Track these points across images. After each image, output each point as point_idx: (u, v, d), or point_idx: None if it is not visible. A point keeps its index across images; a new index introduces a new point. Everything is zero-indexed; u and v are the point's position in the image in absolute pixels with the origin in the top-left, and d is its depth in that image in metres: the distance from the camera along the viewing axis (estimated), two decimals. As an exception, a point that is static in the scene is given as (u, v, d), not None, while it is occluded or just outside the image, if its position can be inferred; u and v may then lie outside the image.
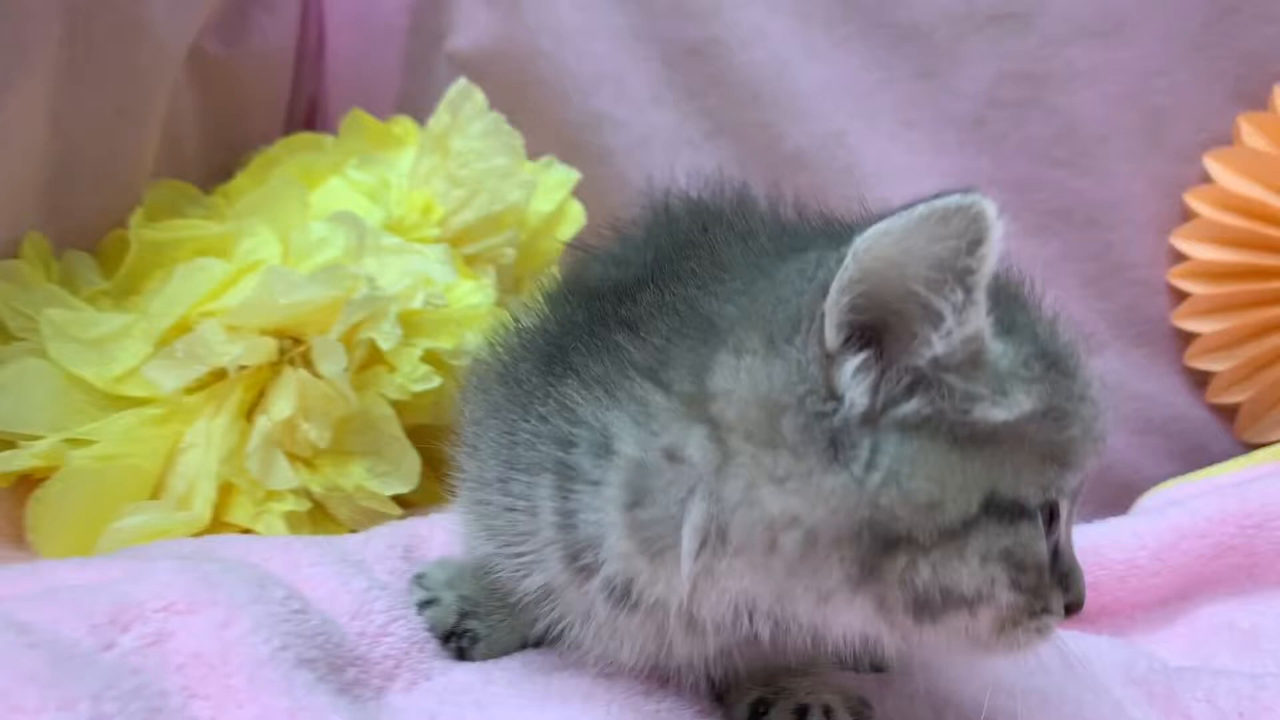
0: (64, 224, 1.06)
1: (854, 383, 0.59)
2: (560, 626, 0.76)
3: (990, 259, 0.58)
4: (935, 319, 0.59)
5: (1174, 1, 1.36)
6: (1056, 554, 0.66)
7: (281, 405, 0.96)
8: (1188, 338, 1.39)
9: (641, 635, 0.72)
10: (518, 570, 0.74)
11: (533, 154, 1.28)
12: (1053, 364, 0.63)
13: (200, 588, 0.67)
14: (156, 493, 0.95)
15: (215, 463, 0.94)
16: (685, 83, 1.41)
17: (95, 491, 0.91)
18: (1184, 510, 1.11)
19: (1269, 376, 1.36)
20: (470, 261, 1.18)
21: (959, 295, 0.58)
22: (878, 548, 0.60)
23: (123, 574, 0.69)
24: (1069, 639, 0.97)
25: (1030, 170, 1.40)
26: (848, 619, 0.64)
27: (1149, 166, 1.39)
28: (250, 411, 0.98)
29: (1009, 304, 0.65)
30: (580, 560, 0.69)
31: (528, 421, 0.71)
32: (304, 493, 0.97)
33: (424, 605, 0.83)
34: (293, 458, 0.98)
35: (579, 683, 0.78)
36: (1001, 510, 0.61)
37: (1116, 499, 1.28)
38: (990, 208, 0.58)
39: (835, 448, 0.59)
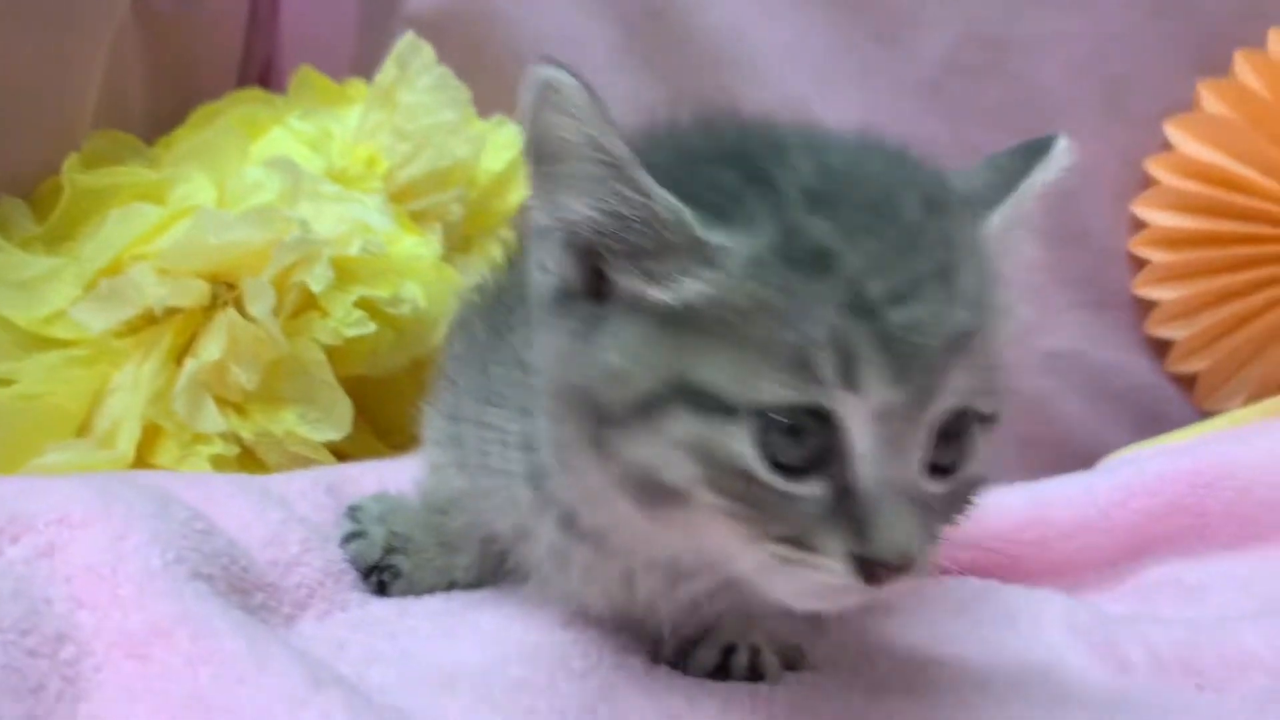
0: (-1, 170, 1.05)
1: (563, 256, 0.62)
2: (530, 568, 0.77)
3: (593, 130, 0.57)
4: (593, 193, 0.59)
5: None
6: (849, 490, 0.59)
7: (211, 347, 0.95)
8: (1148, 306, 1.39)
9: (604, 575, 0.72)
10: (491, 507, 0.76)
11: (491, 116, 1.27)
12: (789, 260, 0.58)
13: (97, 501, 0.66)
14: (82, 433, 0.94)
15: (141, 404, 0.93)
16: (645, 46, 1.40)
17: (16, 429, 0.90)
18: (1134, 469, 1.10)
19: (1228, 345, 1.35)
20: (417, 218, 1.16)
21: (600, 169, 0.58)
22: (594, 421, 0.61)
23: (19, 489, 0.67)
24: (1010, 592, 0.98)
25: (989, 137, 1.33)
26: (625, 515, 0.63)
27: (1109, 134, 1.38)
28: (180, 356, 0.97)
29: (762, 194, 0.61)
30: (542, 490, 0.70)
31: (501, 353, 0.73)
32: (233, 437, 0.96)
33: (350, 538, 0.83)
34: (223, 402, 0.96)
35: (495, 617, 0.77)
36: (696, 399, 0.59)
37: (1077, 467, 1.27)
38: (558, 75, 0.57)
39: (560, 319, 0.63)
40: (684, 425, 0.59)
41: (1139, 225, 1.38)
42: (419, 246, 1.09)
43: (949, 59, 1.38)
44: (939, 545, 0.62)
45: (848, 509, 0.58)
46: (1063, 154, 0.70)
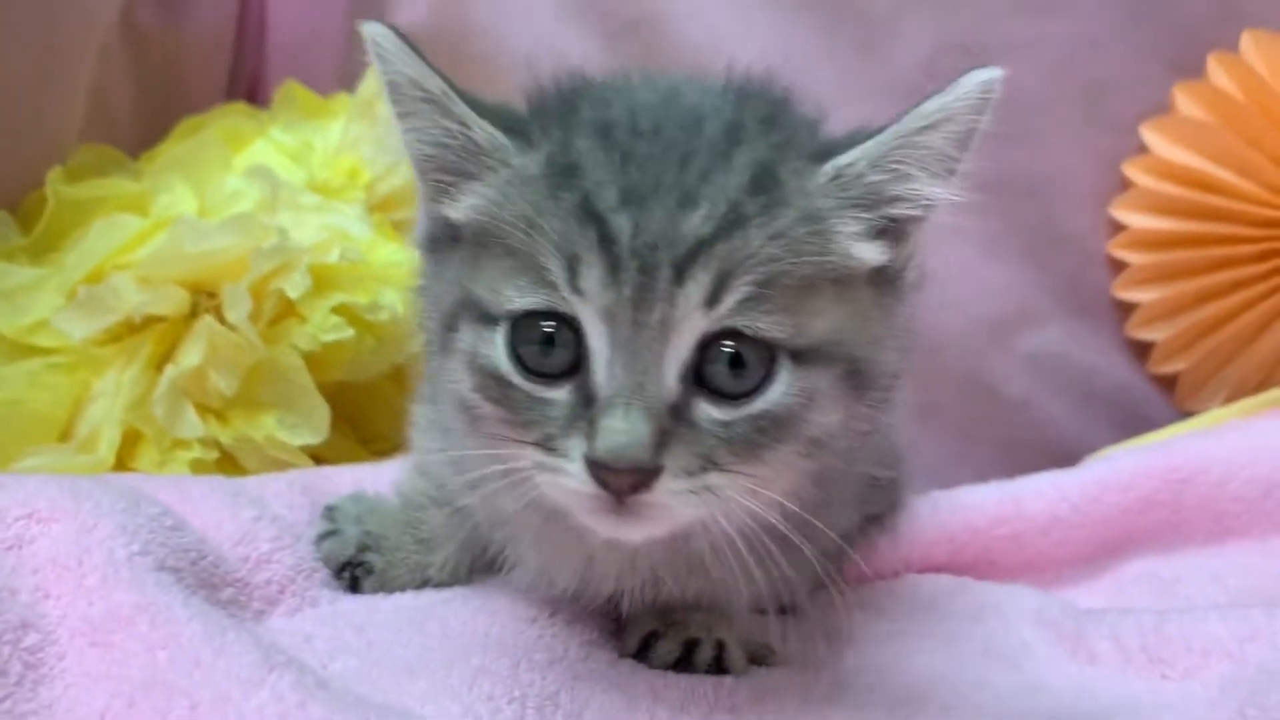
0: (-16, 182, 1.07)
1: (423, 205, 0.70)
2: (506, 551, 0.80)
3: (412, 70, 0.65)
4: (421, 124, 0.67)
5: None
6: (588, 385, 0.61)
7: (190, 354, 0.97)
8: (1128, 308, 1.40)
9: (568, 546, 0.74)
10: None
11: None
12: (547, 176, 0.63)
13: (66, 497, 0.68)
14: (63, 439, 0.95)
15: (121, 410, 0.95)
16: (624, 57, 1.41)
17: (-3, 434, 0.91)
18: (1107, 465, 1.11)
19: (1207, 345, 1.36)
20: (400, 228, 1.18)
21: (423, 104, 0.66)
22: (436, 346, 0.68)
23: (-11, 485, 0.69)
24: (982, 588, 0.99)
25: None
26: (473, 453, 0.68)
27: (1086, 138, 1.40)
28: (161, 363, 0.99)
29: (562, 123, 0.65)
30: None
31: None
32: (212, 442, 0.97)
33: (324, 536, 0.84)
34: (203, 408, 0.98)
35: (463, 612, 0.78)
36: (473, 311, 0.63)
37: (1060, 467, 1.28)
38: (377, 29, 0.65)
39: (427, 264, 0.71)
40: (465, 337, 0.64)
41: (1117, 228, 1.39)
42: (398, 254, 1.11)
43: (927, 66, 1.39)
44: (730, 478, 0.62)
45: (588, 410, 0.60)
46: (975, 86, 0.68)
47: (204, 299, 1.00)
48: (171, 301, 0.98)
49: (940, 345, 1.38)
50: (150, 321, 0.98)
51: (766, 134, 0.65)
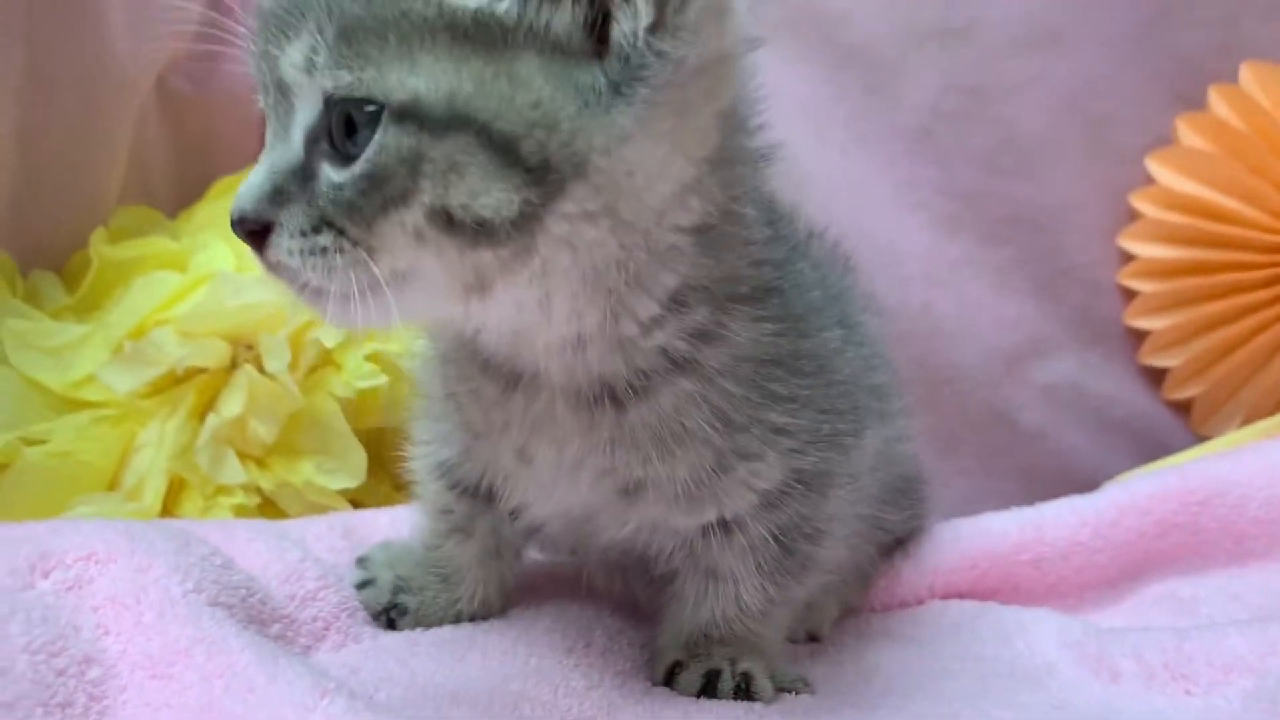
0: (30, 245, 1.12)
1: None
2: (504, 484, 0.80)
3: None
4: None
5: (1107, 11, 1.40)
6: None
7: (232, 404, 1.00)
8: (1140, 336, 1.42)
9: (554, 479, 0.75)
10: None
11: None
12: None
13: (122, 539, 0.71)
14: (111, 488, 0.99)
15: (166, 459, 0.98)
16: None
17: (48, 485, 0.95)
18: (1122, 489, 1.13)
19: (1220, 370, 1.38)
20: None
21: None
22: None
23: (49, 530, 0.72)
24: (1006, 612, 1.01)
25: (977, 179, 1.44)
26: None
27: (1093, 171, 1.43)
28: (203, 413, 1.02)
29: None
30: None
31: None
32: (254, 488, 1.01)
33: (361, 586, 0.86)
34: (244, 456, 1.01)
35: (502, 642, 0.80)
36: None
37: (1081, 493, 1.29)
38: None
39: None
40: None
41: (1127, 258, 1.42)
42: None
43: (934, 106, 1.43)
44: (349, 245, 0.60)
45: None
46: None
47: (243, 350, 1.04)
48: (212, 354, 1.01)
49: (957, 378, 1.41)
50: (192, 373, 1.02)
51: None
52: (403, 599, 0.85)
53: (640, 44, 0.60)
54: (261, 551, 0.83)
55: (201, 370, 1.02)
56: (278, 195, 0.61)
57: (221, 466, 0.99)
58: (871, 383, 0.86)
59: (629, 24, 0.60)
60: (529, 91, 0.59)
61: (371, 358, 1.05)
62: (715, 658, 0.80)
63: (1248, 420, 1.37)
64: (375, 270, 0.60)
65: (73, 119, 1.13)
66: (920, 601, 1.05)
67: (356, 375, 1.04)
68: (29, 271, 1.11)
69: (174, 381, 1.02)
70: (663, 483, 0.73)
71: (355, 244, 0.60)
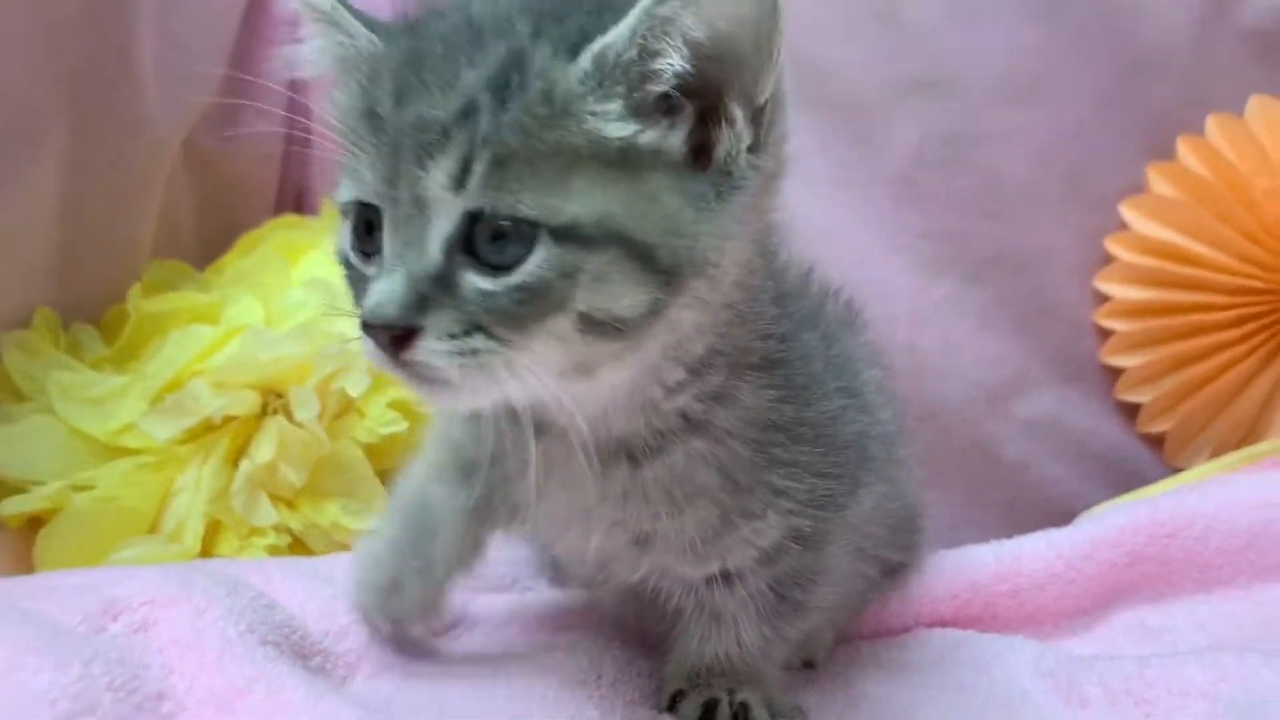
0: (71, 300, 1.19)
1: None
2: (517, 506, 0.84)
3: None
4: (322, 42, 0.73)
5: (1082, 66, 1.47)
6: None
7: (263, 450, 1.08)
8: (1115, 373, 1.49)
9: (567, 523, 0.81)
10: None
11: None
12: (361, 85, 0.68)
13: (178, 586, 0.78)
14: (152, 530, 1.06)
15: (204, 503, 1.05)
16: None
17: (95, 529, 1.02)
18: (1096, 523, 1.20)
19: (1190, 405, 1.46)
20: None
21: (319, 25, 0.73)
22: None
23: (112, 577, 0.80)
24: (984, 641, 1.08)
25: (960, 223, 1.50)
26: None
27: (1070, 216, 1.49)
28: (237, 458, 1.10)
29: (397, 33, 0.71)
30: None
31: None
32: (284, 529, 1.08)
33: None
34: (274, 498, 1.09)
35: (525, 673, 0.87)
36: (342, 209, 0.72)
37: (1060, 524, 1.36)
38: None
39: None
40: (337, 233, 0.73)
41: (1102, 299, 1.49)
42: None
43: (917, 155, 1.49)
44: (498, 345, 0.65)
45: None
46: None
47: (273, 399, 1.11)
48: (244, 403, 1.09)
49: (942, 413, 1.47)
50: (226, 421, 1.09)
51: (533, 26, 0.67)
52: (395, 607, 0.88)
53: (742, 161, 0.69)
54: (296, 590, 0.90)
55: (234, 419, 1.10)
56: (422, 301, 0.65)
57: (255, 509, 1.06)
58: (874, 434, 0.90)
59: (732, 145, 0.68)
60: (661, 206, 0.67)
61: (393, 405, 1.13)
62: (715, 688, 0.88)
63: (1217, 452, 1.44)
64: (519, 368, 0.67)
65: (110, 181, 1.20)
66: (906, 629, 1.12)
67: (380, 422, 1.12)
68: (69, 324, 1.19)
69: (209, 429, 1.09)
70: (670, 536, 0.80)
71: (504, 345, 0.66)
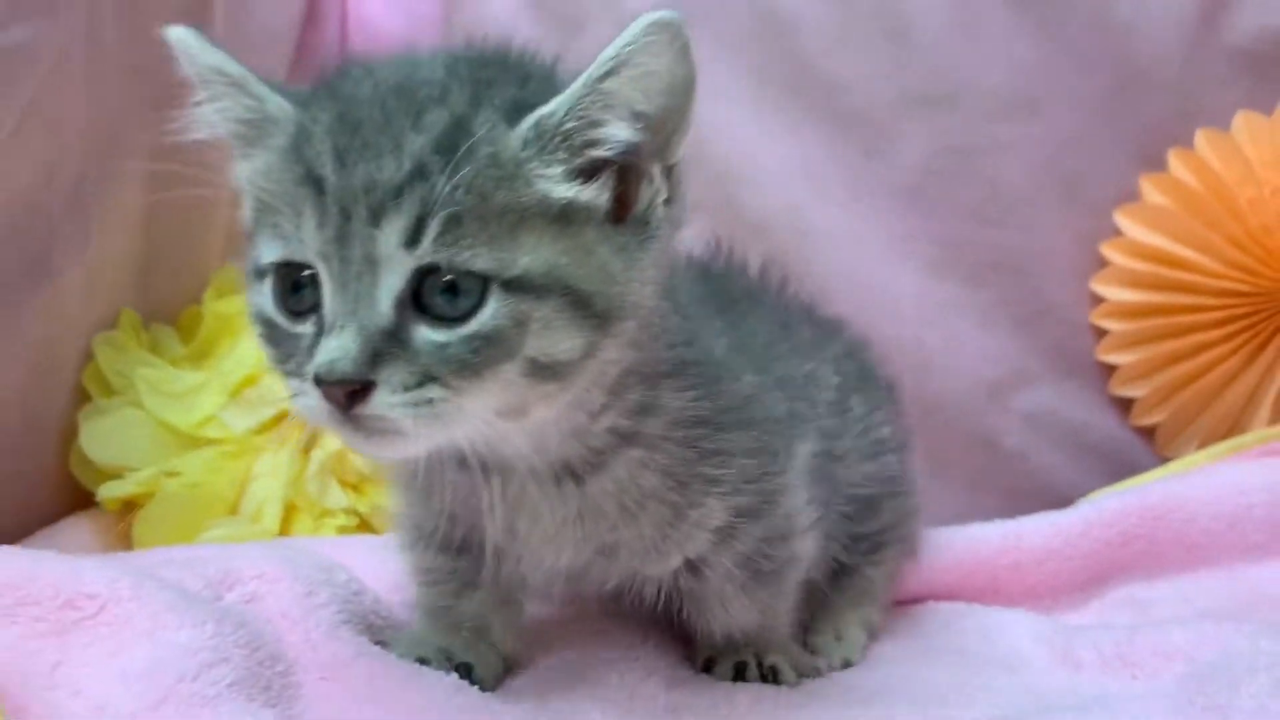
0: (151, 303, 1.30)
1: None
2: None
3: (213, 60, 0.74)
4: (224, 104, 0.77)
5: (1079, 81, 1.54)
6: (321, 319, 0.70)
7: (332, 440, 1.18)
8: (1110, 369, 1.57)
9: (541, 548, 0.86)
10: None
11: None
12: (293, 148, 0.71)
13: (284, 565, 0.89)
14: (233, 511, 1.17)
15: (281, 487, 1.16)
16: None
17: (185, 511, 1.14)
18: (1091, 506, 1.30)
19: (1180, 400, 1.54)
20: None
21: (225, 87, 0.76)
22: None
23: (222, 552, 0.91)
24: (987, 612, 1.18)
25: (965, 229, 1.57)
26: None
27: (1067, 222, 1.57)
28: (308, 446, 1.20)
29: (321, 100, 0.73)
30: None
31: None
32: (353, 511, 1.19)
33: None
34: (344, 483, 1.20)
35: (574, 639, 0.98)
36: (252, 269, 0.74)
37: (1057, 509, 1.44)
38: (179, 32, 0.74)
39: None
40: (250, 294, 0.75)
41: (1098, 300, 1.56)
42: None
43: (924, 165, 1.56)
44: (450, 393, 0.68)
45: (318, 338, 0.69)
46: (641, 29, 0.69)
47: (339, 394, 1.22)
48: (315, 397, 1.20)
49: (946, 406, 1.54)
50: (297, 412, 1.20)
51: (470, 92, 0.71)
52: (460, 658, 0.89)
53: (658, 213, 0.75)
54: (371, 563, 1.01)
55: (304, 410, 1.20)
56: (375, 356, 0.67)
57: (327, 493, 1.17)
58: (805, 398, 0.97)
59: (651, 199, 0.74)
60: (596, 256, 0.72)
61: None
62: (742, 653, 0.96)
63: (1204, 443, 1.52)
64: (469, 414, 0.71)
65: (184, 197, 1.30)
66: (919, 600, 1.22)
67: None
68: (149, 325, 1.30)
69: (282, 420, 1.20)
70: (632, 541, 0.86)
71: (456, 392, 0.69)
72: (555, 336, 0.71)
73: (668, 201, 0.76)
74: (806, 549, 0.96)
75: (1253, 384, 1.53)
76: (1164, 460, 1.55)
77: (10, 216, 1.08)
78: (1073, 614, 1.23)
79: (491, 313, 0.69)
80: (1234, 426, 1.54)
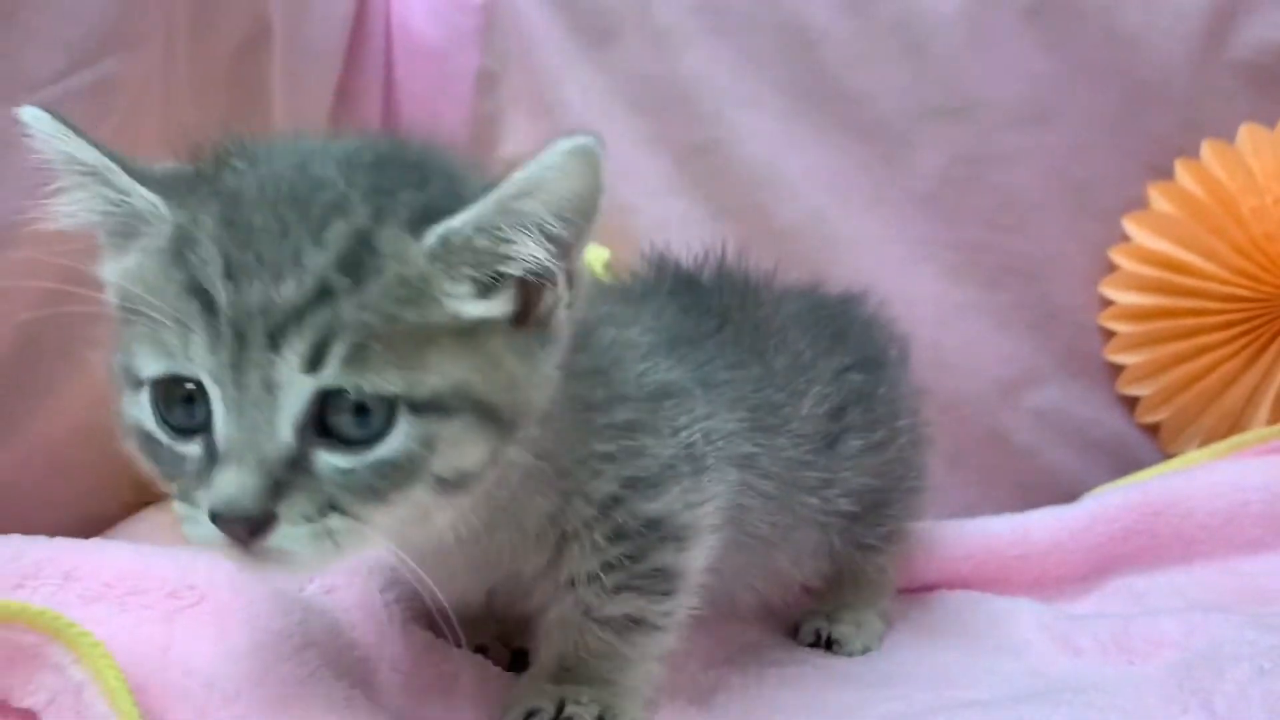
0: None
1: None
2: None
3: (68, 146, 0.68)
4: (82, 196, 0.71)
5: (1089, 93, 1.61)
6: (211, 444, 0.65)
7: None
8: (1117, 369, 1.63)
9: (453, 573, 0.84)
10: None
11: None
12: (173, 250, 0.66)
13: (357, 561, 0.97)
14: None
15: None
16: (693, 174, 1.66)
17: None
18: (1095, 501, 1.38)
19: (1183, 399, 1.61)
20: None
21: (83, 177, 0.70)
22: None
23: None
24: (995, 601, 1.27)
25: (980, 235, 1.65)
26: None
27: (1077, 229, 1.63)
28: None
29: (201, 193, 0.68)
30: None
31: None
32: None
33: None
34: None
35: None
36: (127, 376, 0.68)
37: (1065, 503, 1.50)
38: (32, 111, 0.68)
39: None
40: (124, 401, 0.69)
41: (1106, 303, 1.63)
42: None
43: (942, 173, 1.63)
44: (354, 521, 0.65)
45: (212, 468, 0.64)
46: (559, 155, 0.66)
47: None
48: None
49: (961, 404, 1.61)
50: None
51: (371, 203, 0.67)
52: (519, 642, 0.95)
53: (560, 314, 0.73)
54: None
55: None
56: (276, 487, 0.63)
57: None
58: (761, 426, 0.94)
59: (552, 302, 0.72)
60: (502, 366, 0.69)
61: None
62: (545, 696, 0.84)
63: (1205, 441, 1.60)
64: (371, 538, 0.68)
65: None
66: (930, 588, 1.30)
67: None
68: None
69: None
70: (522, 538, 0.84)
71: (360, 520, 0.66)
72: (462, 451, 0.68)
73: (570, 305, 0.74)
74: (692, 565, 0.88)
75: (1253, 385, 1.60)
76: (1167, 456, 1.62)
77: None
78: (1074, 603, 1.31)
79: (400, 436, 0.65)
80: (1234, 425, 1.61)
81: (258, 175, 0.68)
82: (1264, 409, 1.60)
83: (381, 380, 0.64)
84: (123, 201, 0.68)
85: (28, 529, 0.92)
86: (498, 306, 0.70)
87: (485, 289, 0.69)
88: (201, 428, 0.66)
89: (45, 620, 0.73)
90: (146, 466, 0.70)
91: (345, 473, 0.65)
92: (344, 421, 0.64)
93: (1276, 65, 1.59)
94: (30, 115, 0.68)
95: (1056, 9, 1.60)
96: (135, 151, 1.17)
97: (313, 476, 0.65)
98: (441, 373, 0.66)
